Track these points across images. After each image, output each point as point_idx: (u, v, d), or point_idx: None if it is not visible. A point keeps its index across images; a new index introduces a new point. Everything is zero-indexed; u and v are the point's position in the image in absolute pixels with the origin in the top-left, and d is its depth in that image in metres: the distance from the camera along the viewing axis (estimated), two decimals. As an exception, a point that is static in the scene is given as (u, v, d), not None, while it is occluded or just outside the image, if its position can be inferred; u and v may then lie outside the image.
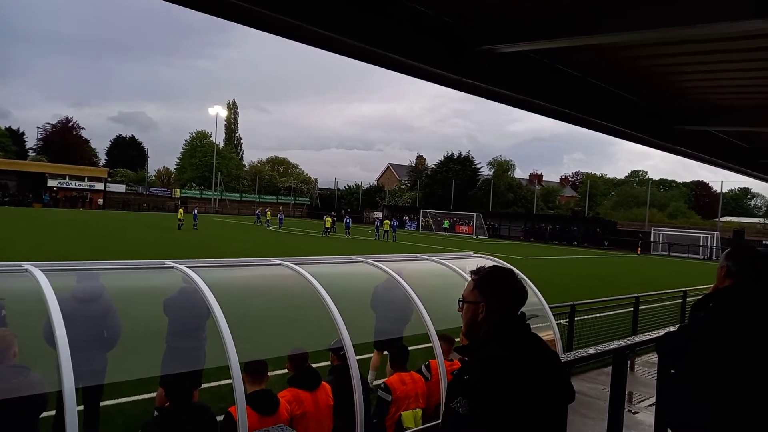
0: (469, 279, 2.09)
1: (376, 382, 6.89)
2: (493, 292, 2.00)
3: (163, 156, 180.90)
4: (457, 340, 6.15)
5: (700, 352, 2.74)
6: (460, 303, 2.06)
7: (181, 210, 42.68)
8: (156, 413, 5.49)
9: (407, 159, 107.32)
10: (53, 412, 4.29)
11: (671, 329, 4.30)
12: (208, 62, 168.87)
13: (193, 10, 2.54)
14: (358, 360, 4.91)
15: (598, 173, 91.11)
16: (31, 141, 78.71)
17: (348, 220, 45.73)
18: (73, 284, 4.85)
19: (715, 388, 2.67)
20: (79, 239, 26.23)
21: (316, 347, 5.70)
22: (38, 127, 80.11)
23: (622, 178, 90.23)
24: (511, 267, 2.18)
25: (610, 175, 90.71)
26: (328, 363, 5.62)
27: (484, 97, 4.13)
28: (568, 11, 3.09)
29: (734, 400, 2.63)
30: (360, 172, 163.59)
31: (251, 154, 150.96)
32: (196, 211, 43.19)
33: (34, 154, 76.57)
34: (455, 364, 5.77)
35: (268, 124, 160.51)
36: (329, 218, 43.51)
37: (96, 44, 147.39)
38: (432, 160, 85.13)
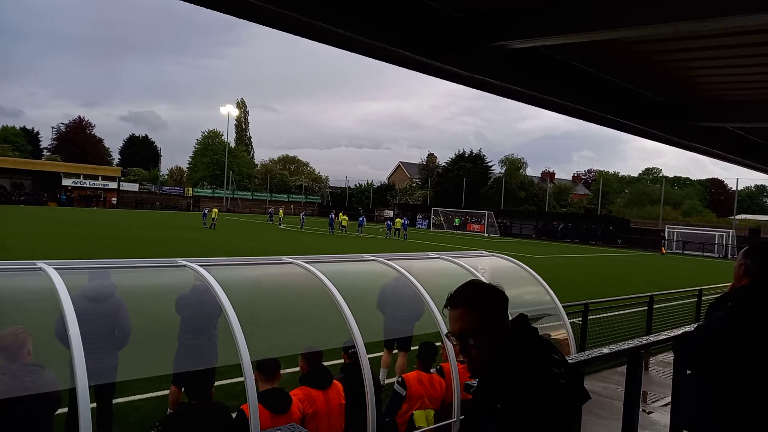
0: (450, 309, 1.86)
1: (388, 381, 6.88)
2: (490, 309, 1.84)
3: (172, 155, 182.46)
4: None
5: (719, 351, 2.69)
6: (465, 340, 1.82)
7: (215, 209, 42.66)
8: (169, 411, 5.52)
9: (416, 157, 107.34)
10: (66, 410, 4.32)
11: (687, 329, 4.23)
12: (217, 61, 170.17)
13: (202, 8, 2.54)
14: (369, 359, 4.90)
15: (608, 170, 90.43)
16: (45, 141, 79.88)
17: (362, 219, 46.04)
18: (84, 283, 4.89)
19: (734, 388, 2.62)
20: (92, 237, 26.49)
21: (327, 346, 5.70)
22: (52, 127, 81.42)
23: (635, 175, 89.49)
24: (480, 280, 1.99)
25: (621, 173, 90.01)
26: (338, 361, 5.61)
27: (496, 94, 4.09)
28: (581, 5, 3.05)
29: (753, 401, 2.58)
30: (370, 170, 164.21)
31: (261, 153, 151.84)
32: (206, 210, 43.30)
33: (48, 153, 77.55)
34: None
35: (277, 123, 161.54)
36: (345, 216, 44.55)
37: (106, 43, 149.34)
38: (441, 158, 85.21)
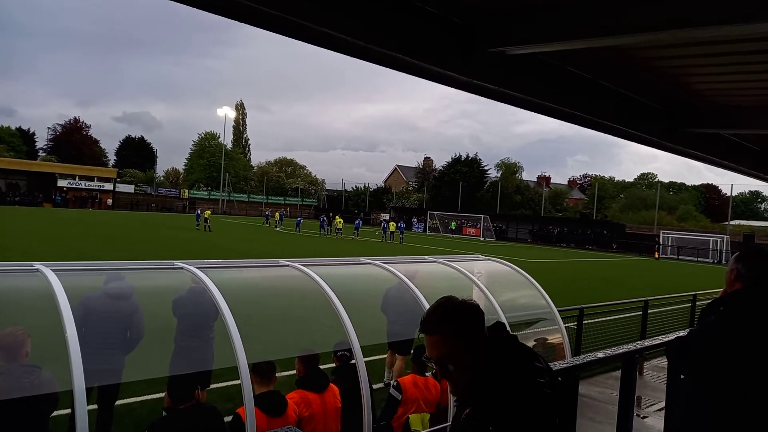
0: (425, 336, 1.79)
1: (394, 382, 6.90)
2: (470, 328, 1.77)
3: (168, 155, 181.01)
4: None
5: (711, 356, 2.71)
6: (444, 366, 1.77)
7: (208, 212, 42.47)
8: (164, 413, 5.52)
9: (411, 160, 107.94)
10: (68, 411, 4.32)
11: (681, 333, 4.26)
12: (214, 61, 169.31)
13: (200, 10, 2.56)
14: (366, 362, 4.90)
15: (601, 175, 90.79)
16: (41, 141, 79.59)
17: (358, 222, 46.25)
18: (84, 284, 4.89)
19: (727, 393, 2.64)
20: (89, 238, 26.40)
21: (323, 349, 5.70)
22: (48, 128, 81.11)
23: (631, 180, 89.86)
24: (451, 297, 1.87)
25: (616, 178, 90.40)
26: (332, 364, 5.62)
27: (494, 99, 4.12)
28: (579, 13, 3.08)
29: (746, 406, 2.60)
30: (366, 173, 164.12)
31: (257, 155, 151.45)
32: (198, 212, 43.13)
33: (44, 154, 77.26)
34: None
35: (273, 124, 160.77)
36: (341, 219, 45.02)
37: (102, 42, 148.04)
38: (437, 161, 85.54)
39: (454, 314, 1.77)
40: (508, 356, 1.76)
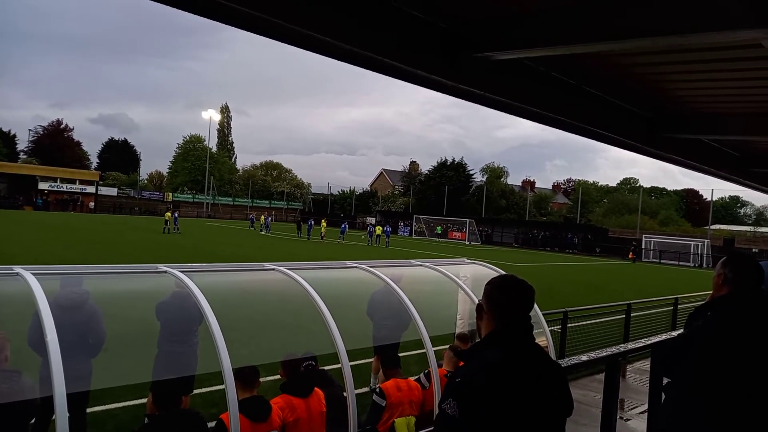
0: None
1: (376, 389, 6.89)
2: (490, 298, 2.06)
3: (147, 158, 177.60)
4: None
5: (700, 361, 2.73)
6: (478, 312, 2.17)
7: (168, 213, 41.95)
8: (146, 419, 5.44)
9: (393, 164, 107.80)
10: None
11: (663, 337, 4.31)
12: (195, 64, 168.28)
13: (181, 11, 2.54)
14: (350, 366, 4.88)
15: (586, 180, 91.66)
16: (22, 143, 78.34)
17: (344, 226, 46.09)
18: (57, 290, 4.78)
19: (715, 397, 2.66)
20: (71, 242, 26.01)
21: (308, 354, 5.67)
22: (29, 130, 79.84)
23: (614, 185, 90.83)
24: (511, 274, 2.21)
25: (596, 182, 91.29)
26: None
27: (480, 104, 4.14)
28: (564, 19, 3.11)
29: (734, 410, 2.62)
30: (349, 177, 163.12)
31: (241, 158, 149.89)
32: (177, 215, 42.71)
33: (24, 156, 76.04)
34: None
35: (256, 127, 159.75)
36: (324, 223, 45.07)
37: (79, 44, 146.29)
38: (419, 165, 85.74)
39: (495, 282, 2.11)
40: (517, 340, 2.02)
